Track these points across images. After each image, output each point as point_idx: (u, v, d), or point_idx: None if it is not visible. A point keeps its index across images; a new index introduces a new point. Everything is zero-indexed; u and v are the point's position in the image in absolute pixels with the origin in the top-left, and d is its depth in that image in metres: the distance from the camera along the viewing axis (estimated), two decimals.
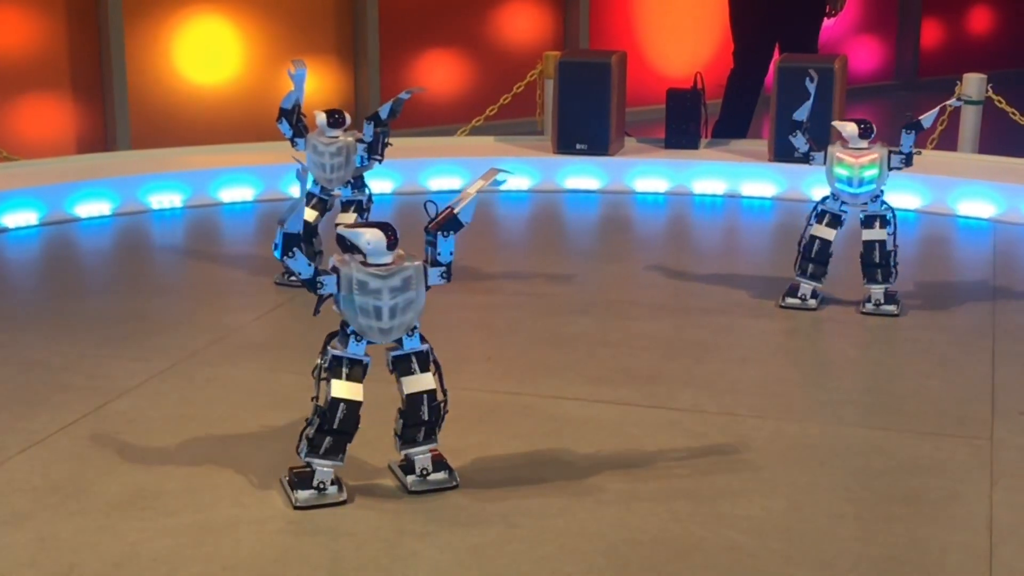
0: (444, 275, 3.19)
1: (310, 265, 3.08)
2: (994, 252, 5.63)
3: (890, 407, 3.89)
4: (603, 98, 6.71)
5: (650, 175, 6.69)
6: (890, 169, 4.63)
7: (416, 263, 3.14)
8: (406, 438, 3.24)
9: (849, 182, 4.63)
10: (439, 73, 9.48)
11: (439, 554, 2.96)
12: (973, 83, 7.00)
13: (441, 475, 3.26)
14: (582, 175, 6.71)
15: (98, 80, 8.12)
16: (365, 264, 3.10)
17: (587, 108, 6.71)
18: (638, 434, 3.65)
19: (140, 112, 8.23)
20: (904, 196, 6.18)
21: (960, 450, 3.54)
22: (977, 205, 6.19)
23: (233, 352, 4.32)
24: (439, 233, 3.17)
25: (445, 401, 3.25)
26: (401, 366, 3.21)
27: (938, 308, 4.80)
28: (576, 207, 6.56)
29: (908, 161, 4.64)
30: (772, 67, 6.83)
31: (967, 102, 6.88)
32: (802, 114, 4.64)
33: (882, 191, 4.66)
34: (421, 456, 3.25)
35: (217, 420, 3.71)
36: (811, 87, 4.61)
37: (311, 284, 3.09)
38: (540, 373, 4.12)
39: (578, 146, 6.75)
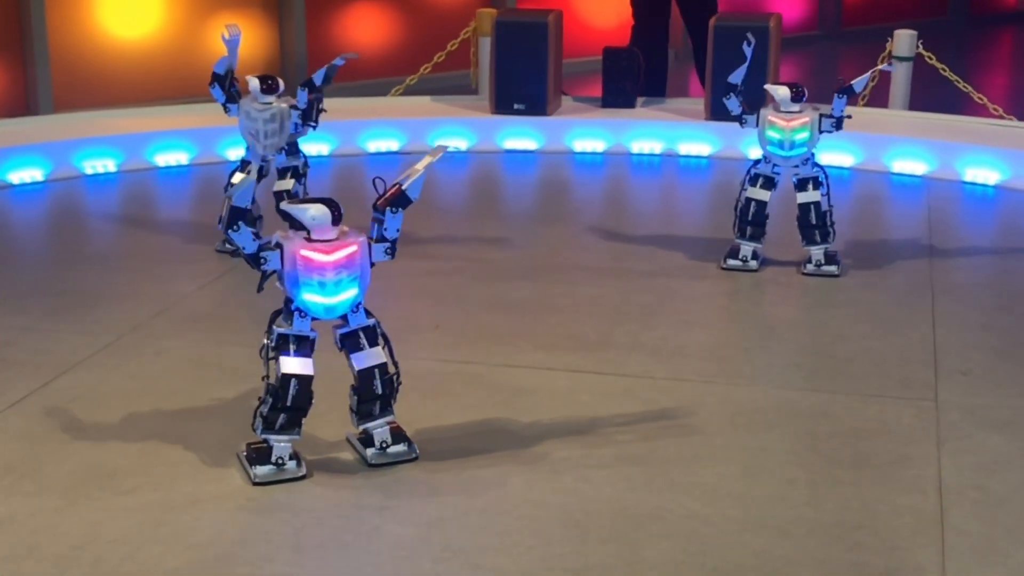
0: (389, 251, 3.20)
1: (255, 240, 3.07)
2: (928, 209, 5.71)
3: (835, 370, 3.95)
4: (540, 58, 6.70)
5: (588, 136, 6.69)
6: (821, 132, 4.69)
7: (360, 239, 3.14)
8: (362, 413, 3.25)
9: (780, 145, 4.69)
10: (366, 27, 9.39)
11: (400, 528, 2.97)
12: (904, 40, 7.07)
13: (400, 447, 3.27)
14: (520, 136, 6.70)
15: (18, 37, 7.94)
16: (309, 240, 3.09)
17: (525, 68, 6.69)
18: (590, 401, 3.68)
19: (62, 69, 8.06)
20: (837, 155, 6.25)
21: (905, 412, 3.61)
22: (910, 163, 6.27)
23: (178, 324, 4.28)
24: (388, 210, 3.18)
25: (397, 373, 3.26)
26: (349, 342, 3.21)
27: (877, 267, 4.87)
28: (514, 168, 6.56)
29: (839, 125, 4.70)
30: (712, 25, 6.70)
31: (899, 58, 6.96)
32: (737, 77, 4.68)
33: (813, 153, 4.73)
34: (380, 429, 3.26)
35: (167, 394, 3.69)
36: (748, 51, 4.66)
37: (254, 260, 3.08)
38: (490, 341, 4.13)
39: (516, 106, 6.73)
